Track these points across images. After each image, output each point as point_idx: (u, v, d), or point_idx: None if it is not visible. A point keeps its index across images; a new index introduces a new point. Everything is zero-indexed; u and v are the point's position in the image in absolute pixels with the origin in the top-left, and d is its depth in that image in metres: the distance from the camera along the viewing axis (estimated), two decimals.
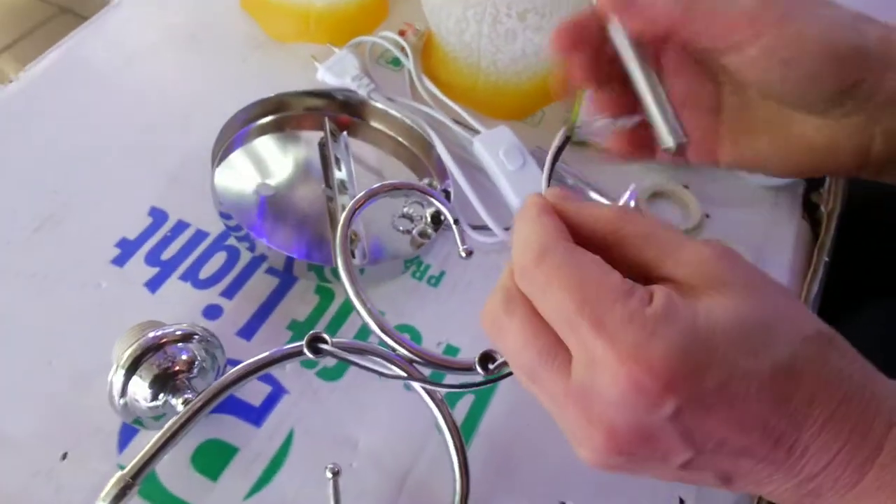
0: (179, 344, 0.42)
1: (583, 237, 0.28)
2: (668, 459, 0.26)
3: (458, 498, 0.42)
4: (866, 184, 0.60)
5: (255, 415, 0.45)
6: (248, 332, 0.48)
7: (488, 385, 0.37)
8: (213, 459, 0.43)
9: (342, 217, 0.41)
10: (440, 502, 0.43)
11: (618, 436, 0.25)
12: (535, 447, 0.45)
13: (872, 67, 0.30)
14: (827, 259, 0.56)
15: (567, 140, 0.35)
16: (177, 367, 0.42)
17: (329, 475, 0.40)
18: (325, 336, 0.40)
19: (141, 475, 0.38)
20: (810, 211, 0.60)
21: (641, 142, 0.36)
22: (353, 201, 0.42)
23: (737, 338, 0.24)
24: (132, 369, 0.41)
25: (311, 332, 0.40)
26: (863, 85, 0.30)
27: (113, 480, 0.37)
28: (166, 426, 0.39)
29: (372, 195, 0.43)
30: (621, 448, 0.25)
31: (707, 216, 0.58)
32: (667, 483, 0.44)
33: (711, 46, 0.31)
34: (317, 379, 0.47)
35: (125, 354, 0.41)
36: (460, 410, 0.46)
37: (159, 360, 0.41)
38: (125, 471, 0.38)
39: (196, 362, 0.43)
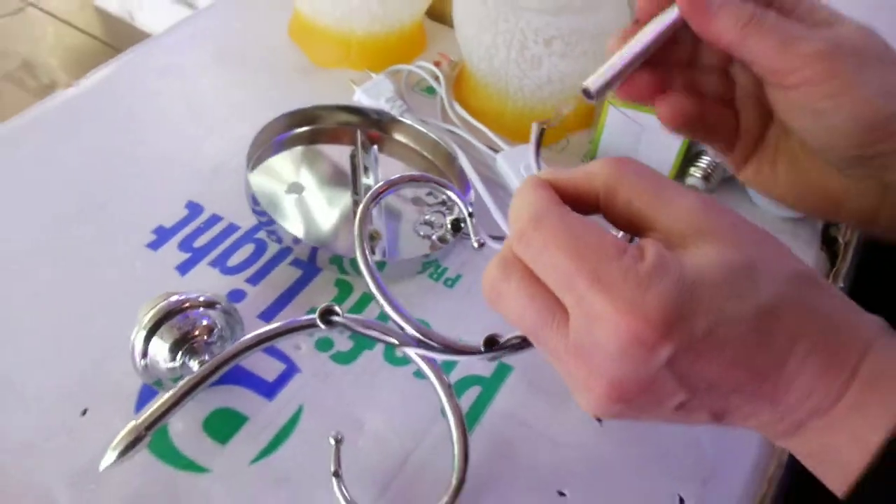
0: (201, 310, 0.44)
1: (577, 201, 0.30)
2: (664, 403, 0.27)
3: (455, 481, 0.42)
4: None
5: (268, 388, 0.47)
6: (268, 315, 0.51)
7: (486, 357, 0.38)
8: (223, 425, 0.45)
9: (364, 199, 0.44)
10: (438, 484, 0.43)
11: (619, 385, 0.26)
12: (536, 440, 0.46)
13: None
14: (843, 285, 0.56)
15: (543, 131, 0.37)
16: (196, 332, 0.44)
17: (332, 441, 0.41)
18: (338, 308, 0.42)
19: (153, 427, 0.40)
20: (829, 243, 0.61)
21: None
22: (374, 188, 0.45)
23: (722, 284, 0.26)
24: (153, 330, 0.43)
25: (325, 304, 0.42)
26: (883, 157, 0.31)
27: (126, 430, 0.39)
28: (181, 383, 0.41)
29: (392, 185, 0.45)
30: (622, 396, 0.27)
31: None
32: (666, 477, 0.44)
33: (761, 75, 0.33)
34: (330, 361, 0.49)
35: (148, 315, 0.43)
36: (466, 401, 0.47)
37: (180, 324, 0.44)
38: (139, 421, 0.39)
39: (216, 330, 0.45)
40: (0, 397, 0.44)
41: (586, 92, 0.33)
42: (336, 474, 0.41)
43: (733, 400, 0.27)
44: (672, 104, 0.34)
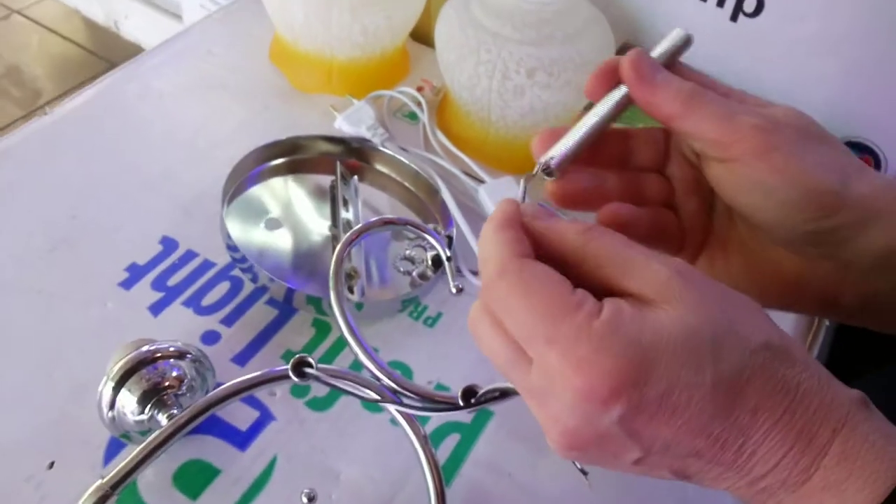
0: (171, 361, 0.43)
1: (549, 253, 0.29)
2: (620, 456, 0.27)
3: None
4: None
5: (241, 438, 0.45)
6: (242, 358, 0.49)
7: (463, 411, 0.37)
8: (194, 479, 0.43)
9: (338, 246, 0.42)
10: None
11: (571, 435, 0.27)
12: (516, 492, 0.45)
13: (850, 219, 0.31)
14: (828, 323, 0.55)
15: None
16: (166, 383, 0.43)
17: (304, 500, 0.40)
18: (311, 360, 0.41)
19: (120, 486, 0.38)
20: None
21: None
22: (348, 234, 0.43)
23: (681, 350, 0.25)
24: (122, 381, 0.42)
25: (298, 355, 0.41)
26: (838, 232, 0.31)
27: (91, 489, 0.38)
28: (149, 439, 0.40)
29: (366, 229, 0.44)
30: (574, 444, 0.27)
31: None
32: None
33: (702, 151, 0.32)
34: (305, 408, 0.47)
35: (116, 366, 0.42)
36: (445, 449, 0.46)
37: (149, 375, 0.42)
38: (104, 480, 0.38)
39: (186, 381, 0.43)
40: None
41: (546, 169, 0.32)
42: None
43: (692, 463, 0.27)
44: (611, 212, 0.34)
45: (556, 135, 0.33)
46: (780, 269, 0.34)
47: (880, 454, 0.25)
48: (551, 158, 0.32)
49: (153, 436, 0.40)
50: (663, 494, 0.46)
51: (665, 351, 0.25)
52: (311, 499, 0.40)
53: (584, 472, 0.46)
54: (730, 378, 0.25)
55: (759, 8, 0.61)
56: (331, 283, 0.41)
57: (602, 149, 0.34)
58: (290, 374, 0.41)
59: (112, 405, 0.42)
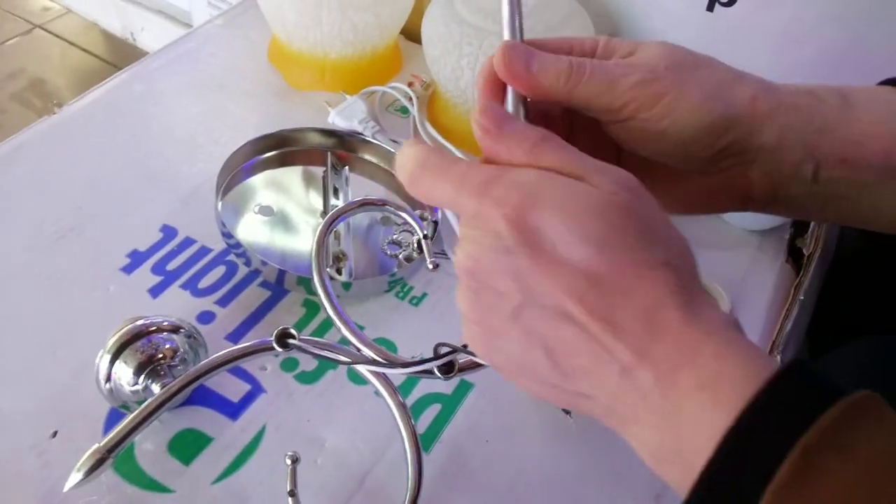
0: (164, 334, 0.46)
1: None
2: (503, 299, 0.28)
3: (408, 499, 0.43)
4: (855, 234, 0.62)
5: (233, 409, 0.48)
6: (235, 336, 0.52)
7: (432, 364, 0.39)
8: (188, 446, 0.46)
9: (320, 226, 0.45)
10: (396, 501, 0.44)
11: (471, 252, 0.29)
12: (492, 460, 0.47)
13: (740, 131, 0.33)
14: (802, 298, 0.57)
15: None
16: (160, 356, 0.46)
17: (288, 462, 0.42)
18: (294, 332, 0.44)
19: (115, 450, 0.41)
20: (794, 256, 0.61)
21: None
22: (329, 214, 0.46)
23: (586, 215, 0.27)
24: (117, 354, 0.45)
25: (281, 327, 0.43)
26: (734, 146, 0.33)
27: (89, 452, 0.41)
28: (142, 407, 0.43)
29: (345, 210, 0.47)
30: (471, 258, 0.29)
31: None
32: (621, 494, 0.45)
33: (597, 117, 0.34)
34: (294, 381, 0.50)
35: (112, 340, 0.45)
36: (426, 418, 0.49)
37: (143, 348, 0.45)
38: (101, 444, 0.41)
39: (178, 353, 0.46)
40: None
41: None
42: (291, 493, 0.42)
43: (566, 333, 0.27)
44: None
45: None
46: (692, 187, 0.36)
47: (749, 358, 0.25)
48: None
49: (146, 403, 0.43)
50: (633, 460, 0.47)
51: (572, 207, 0.27)
52: (294, 461, 0.42)
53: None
54: (612, 261, 0.26)
55: None
56: (313, 259, 0.44)
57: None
58: (274, 344, 0.44)
59: (109, 377, 0.45)
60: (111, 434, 0.41)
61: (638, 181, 0.29)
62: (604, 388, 0.28)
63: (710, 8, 0.64)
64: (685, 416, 0.25)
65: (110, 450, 0.41)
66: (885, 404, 0.24)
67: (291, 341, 0.44)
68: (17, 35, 1.68)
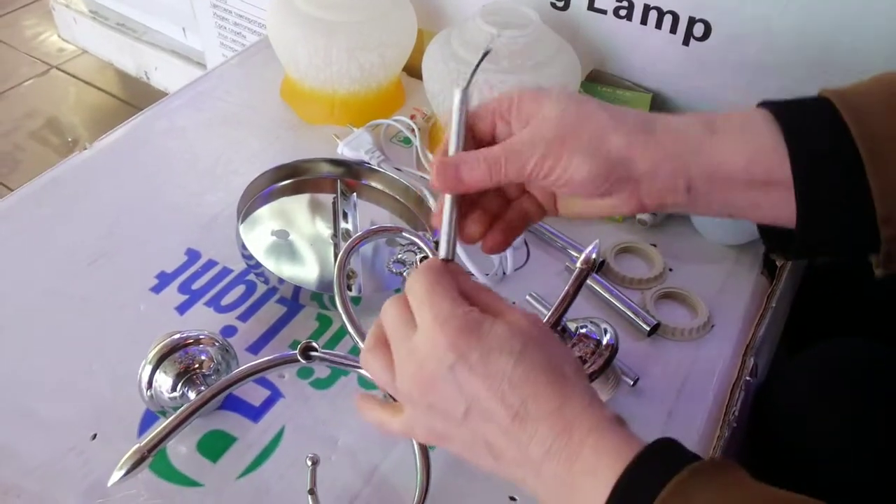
0: (200, 346, 0.51)
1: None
2: (452, 409, 0.37)
3: (419, 491, 0.48)
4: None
5: (254, 412, 0.53)
6: (256, 348, 0.57)
7: None
8: (215, 446, 0.51)
9: (341, 252, 0.51)
10: (401, 495, 0.49)
11: (423, 373, 0.37)
12: None
13: (621, 170, 0.39)
14: (774, 306, 0.61)
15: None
16: (196, 366, 0.51)
17: (309, 463, 0.47)
18: (316, 345, 0.49)
19: (155, 449, 0.46)
20: (769, 268, 0.66)
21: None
22: (350, 239, 0.52)
23: (503, 340, 0.36)
24: (158, 364, 0.50)
25: (305, 341, 0.49)
26: (620, 180, 0.40)
27: (131, 451, 0.45)
28: (179, 410, 0.47)
29: (365, 237, 0.53)
30: (422, 381, 0.37)
31: (670, 270, 0.65)
32: None
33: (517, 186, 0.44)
34: (309, 387, 0.55)
35: (153, 351, 0.50)
36: None
37: (181, 358, 0.50)
38: (142, 443, 0.46)
39: (213, 364, 0.51)
40: (22, 425, 0.51)
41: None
42: (311, 492, 0.47)
43: (492, 430, 0.36)
44: (492, 240, 0.44)
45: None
46: (599, 204, 0.42)
47: (624, 445, 0.34)
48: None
49: (184, 407, 0.48)
50: None
51: (492, 334, 0.36)
52: (314, 462, 0.47)
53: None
54: (524, 374, 0.36)
55: (706, 32, 0.69)
56: (335, 284, 0.50)
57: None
58: (299, 357, 0.49)
59: (150, 384, 0.50)
60: (150, 435, 0.46)
61: (538, 318, 0.39)
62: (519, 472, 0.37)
63: (686, 42, 0.70)
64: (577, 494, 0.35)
65: (150, 449, 0.46)
66: (721, 467, 0.34)
67: (314, 353, 0.49)
68: (34, 76, 1.75)
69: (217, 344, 0.52)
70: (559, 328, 0.50)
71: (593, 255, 0.49)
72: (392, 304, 0.40)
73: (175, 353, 0.50)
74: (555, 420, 0.35)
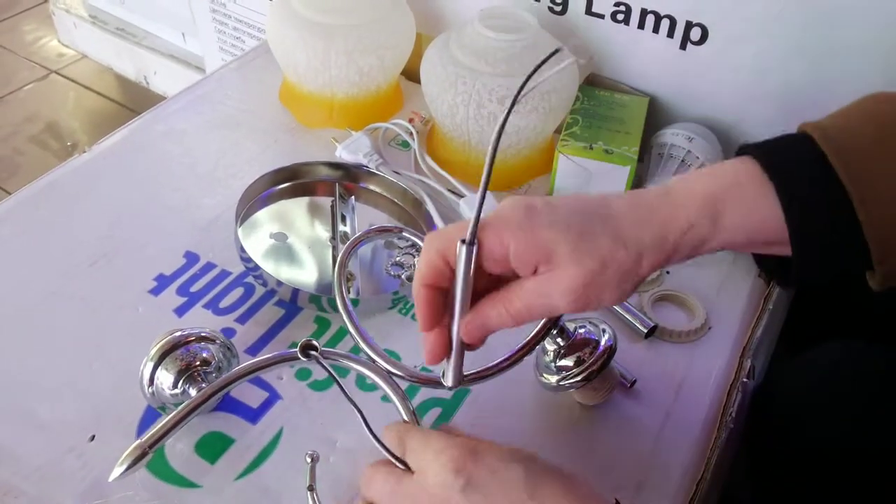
0: (202, 344, 0.51)
1: None
2: None
3: None
4: None
5: (253, 414, 0.53)
6: (254, 350, 0.57)
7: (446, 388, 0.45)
8: (213, 447, 0.51)
9: (341, 252, 0.51)
10: None
11: None
12: None
13: (612, 265, 0.41)
14: (771, 308, 0.62)
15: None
16: (197, 363, 0.50)
17: (308, 460, 0.47)
18: (316, 343, 0.49)
19: (155, 445, 0.46)
20: (767, 272, 0.66)
21: None
22: (347, 243, 0.52)
23: (503, 454, 0.40)
24: (159, 361, 0.50)
25: (305, 339, 0.49)
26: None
27: (132, 447, 0.45)
28: (180, 407, 0.47)
29: (364, 236, 0.53)
30: None
31: (667, 273, 0.65)
32: (606, 486, 0.50)
33: None
34: (307, 389, 0.55)
35: (155, 348, 0.50)
36: (428, 420, 0.54)
37: (183, 355, 0.50)
38: (143, 440, 0.46)
39: (214, 362, 0.51)
40: (21, 426, 0.51)
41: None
42: (311, 488, 0.47)
43: None
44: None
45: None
46: None
47: None
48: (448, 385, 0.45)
49: (185, 404, 0.48)
50: (617, 454, 0.52)
51: (490, 452, 0.40)
52: (313, 459, 0.47)
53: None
54: (536, 481, 0.38)
55: (703, 36, 0.69)
56: (335, 284, 0.50)
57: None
58: (299, 354, 0.49)
59: (152, 381, 0.50)
60: (151, 431, 0.46)
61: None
62: None
63: (683, 46, 0.71)
64: None
65: (151, 445, 0.46)
66: None
67: (313, 353, 0.49)
68: (34, 80, 1.76)
69: (219, 342, 0.52)
70: (558, 329, 0.51)
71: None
72: (374, 470, 0.43)
73: (177, 350, 0.50)
74: None
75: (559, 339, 0.51)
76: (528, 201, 0.41)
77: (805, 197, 0.39)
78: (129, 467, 0.44)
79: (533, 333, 0.48)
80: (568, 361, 0.51)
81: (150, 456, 0.46)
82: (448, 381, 0.44)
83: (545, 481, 0.38)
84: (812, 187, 0.39)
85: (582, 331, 0.52)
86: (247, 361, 0.50)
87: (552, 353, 0.51)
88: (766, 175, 0.40)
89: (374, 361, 0.49)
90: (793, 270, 0.41)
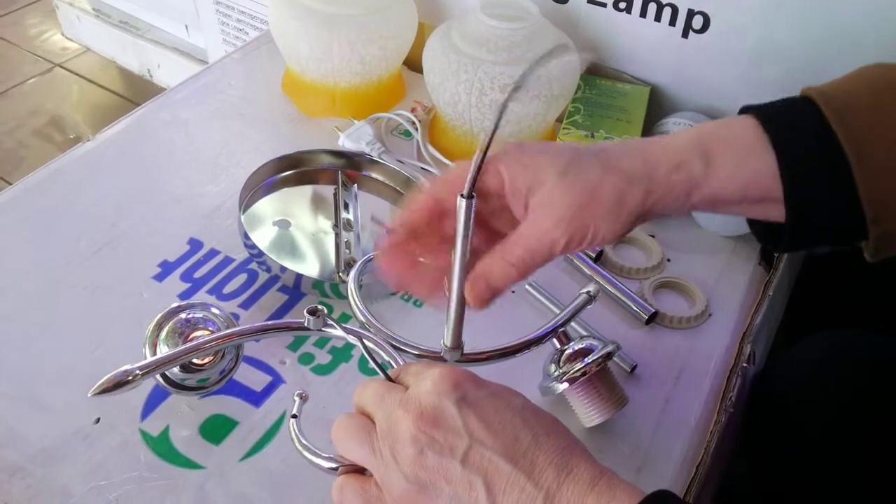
0: (202, 314, 0.51)
1: None
2: (454, 448, 0.36)
3: None
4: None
5: (256, 398, 0.54)
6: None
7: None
8: (217, 429, 0.52)
9: (355, 267, 0.53)
10: None
11: (426, 412, 0.37)
12: None
13: (639, 215, 0.42)
14: (771, 294, 0.62)
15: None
16: (200, 327, 0.51)
17: (296, 399, 0.45)
18: (324, 309, 0.49)
19: (146, 371, 0.46)
20: (767, 259, 0.67)
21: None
22: (361, 260, 0.53)
23: (504, 389, 0.39)
24: (158, 332, 0.50)
25: (310, 306, 0.48)
26: (636, 221, 0.43)
27: (121, 369, 0.46)
28: (182, 347, 0.48)
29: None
30: (426, 420, 0.36)
31: (668, 260, 0.66)
32: None
33: None
34: (310, 373, 0.55)
35: (151, 325, 0.50)
36: None
37: (182, 328, 0.50)
38: (135, 365, 0.46)
39: (214, 330, 0.51)
40: (27, 409, 0.52)
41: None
42: (294, 416, 0.45)
43: (502, 466, 0.36)
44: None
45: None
46: None
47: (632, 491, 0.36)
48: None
49: (186, 346, 0.48)
50: (617, 438, 0.53)
51: (492, 384, 0.39)
52: (302, 399, 0.46)
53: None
54: (533, 415, 0.37)
55: (705, 25, 0.69)
56: (350, 283, 0.52)
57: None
58: (305, 313, 0.48)
59: (154, 350, 0.50)
60: (147, 361, 0.47)
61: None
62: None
63: (685, 34, 0.71)
64: None
65: (141, 369, 0.46)
66: None
67: (319, 308, 0.48)
68: (38, 74, 1.76)
69: (216, 312, 0.52)
70: (561, 331, 0.51)
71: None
72: (369, 381, 0.41)
73: (174, 318, 0.50)
74: (563, 458, 0.36)
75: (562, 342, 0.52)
76: (522, 142, 0.42)
77: (800, 151, 0.40)
78: (112, 388, 0.45)
79: (536, 331, 0.49)
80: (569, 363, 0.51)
81: (137, 383, 0.46)
82: (447, 340, 0.44)
83: (541, 416, 0.38)
84: (808, 142, 0.40)
85: (585, 343, 0.52)
86: (249, 349, 0.50)
87: (556, 356, 0.52)
88: (762, 128, 0.40)
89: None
90: (785, 227, 0.41)
